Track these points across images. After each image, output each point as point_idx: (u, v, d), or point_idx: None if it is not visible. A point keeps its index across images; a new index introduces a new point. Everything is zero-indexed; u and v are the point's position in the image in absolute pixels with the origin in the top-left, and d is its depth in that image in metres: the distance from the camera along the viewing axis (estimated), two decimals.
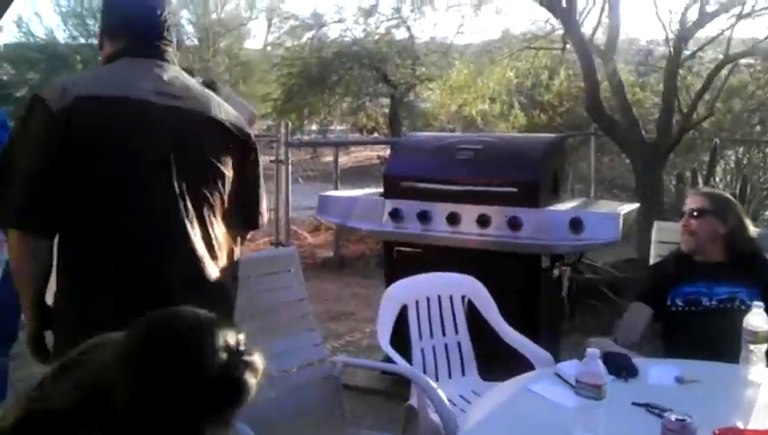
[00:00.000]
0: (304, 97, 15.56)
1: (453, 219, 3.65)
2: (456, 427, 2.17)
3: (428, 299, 2.93)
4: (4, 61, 22.61)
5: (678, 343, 2.61)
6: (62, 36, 21.24)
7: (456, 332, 2.97)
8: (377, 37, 16.69)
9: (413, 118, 16.65)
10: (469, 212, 3.61)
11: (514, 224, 3.52)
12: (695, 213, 2.73)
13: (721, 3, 6.06)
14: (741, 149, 7.52)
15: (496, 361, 2.75)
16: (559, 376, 1.99)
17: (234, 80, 20.70)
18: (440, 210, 3.68)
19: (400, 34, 17.10)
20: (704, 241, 2.71)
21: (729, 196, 3.00)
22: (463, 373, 2.90)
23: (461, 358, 2.95)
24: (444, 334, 2.94)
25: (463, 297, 3.00)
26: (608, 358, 1.88)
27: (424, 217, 3.70)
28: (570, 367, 2.00)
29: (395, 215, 3.77)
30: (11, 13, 18.11)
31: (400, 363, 2.57)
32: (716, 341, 2.33)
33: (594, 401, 1.62)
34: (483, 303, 2.96)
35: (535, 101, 9.77)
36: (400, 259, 3.81)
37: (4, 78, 22.86)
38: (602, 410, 1.64)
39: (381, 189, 3.93)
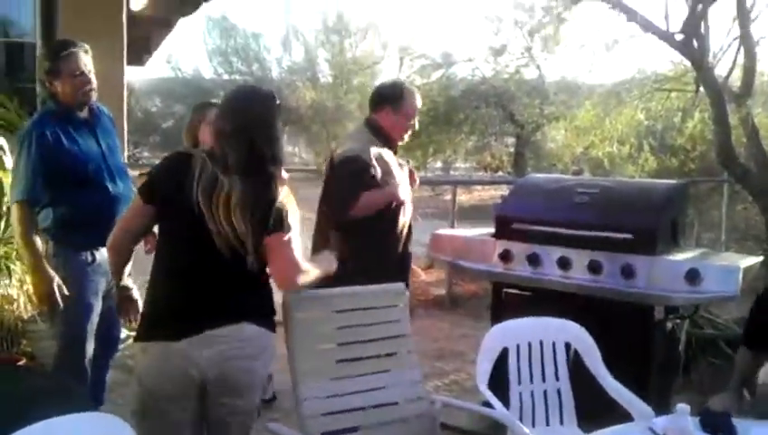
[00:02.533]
0: (430, 135, 15.79)
1: (563, 264, 3.61)
2: None
3: (530, 344, 2.93)
4: (154, 94, 24.55)
5: None
6: (207, 72, 22.79)
7: (557, 379, 2.94)
8: (506, 76, 16.75)
9: (538, 158, 16.48)
10: (581, 257, 3.56)
11: (628, 272, 3.44)
12: None
13: None
14: None
15: (597, 412, 2.64)
16: (652, 430, 1.94)
17: (364, 115, 21.35)
18: (551, 254, 3.65)
19: (529, 74, 17.10)
20: None
21: None
22: (561, 422, 2.86)
23: (560, 406, 2.92)
24: (544, 380, 2.92)
25: (567, 344, 2.97)
26: (705, 416, 1.82)
27: (534, 259, 3.68)
28: (664, 421, 1.95)
29: (505, 256, 3.77)
30: (162, 50, 19.52)
31: (497, 407, 2.58)
32: None
33: None
34: (587, 351, 2.92)
35: (666, 144, 9.45)
36: (508, 301, 3.80)
37: (153, 109, 24.82)
38: None
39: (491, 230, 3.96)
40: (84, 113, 3.19)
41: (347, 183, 3.19)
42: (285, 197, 2.27)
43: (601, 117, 9.73)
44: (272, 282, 2.36)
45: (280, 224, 2.22)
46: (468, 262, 3.94)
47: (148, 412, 2.24)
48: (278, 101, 2.32)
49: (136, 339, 2.32)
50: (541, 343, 2.95)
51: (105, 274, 3.16)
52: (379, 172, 3.20)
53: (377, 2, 44.77)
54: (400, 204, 3.28)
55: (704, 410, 1.85)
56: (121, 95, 5.30)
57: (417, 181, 3.66)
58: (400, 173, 3.35)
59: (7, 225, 4.27)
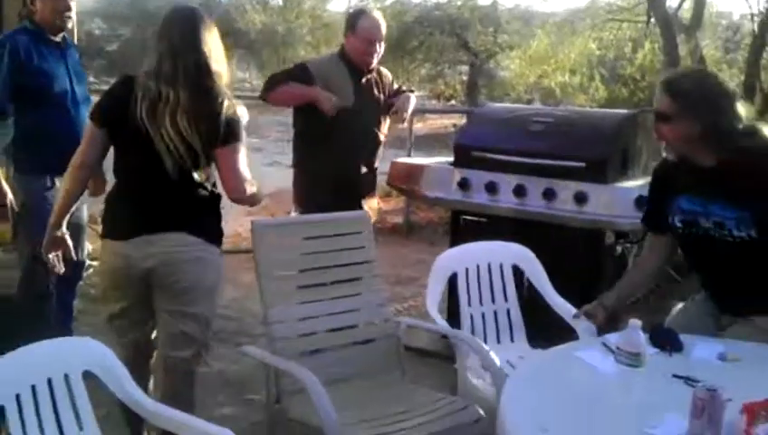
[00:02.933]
0: (383, 62, 15.63)
1: (520, 191, 3.73)
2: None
3: (478, 266, 3.03)
4: (96, 16, 23.56)
5: (699, 273, 2.51)
6: None
7: (506, 299, 3.08)
8: (459, 2, 16.58)
9: (492, 87, 16.51)
10: (536, 185, 3.69)
11: (580, 198, 3.59)
12: (660, 117, 2.33)
13: None
14: None
15: (545, 329, 2.85)
16: (605, 345, 2.09)
17: (316, 41, 20.96)
18: (508, 182, 3.77)
19: (483, 0, 16.96)
20: (681, 147, 2.32)
21: (704, 78, 2.49)
22: (512, 340, 3.02)
23: (510, 325, 3.06)
24: (493, 302, 3.05)
25: (515, 266, 3.10)
26: (654, 332, 1.98)
27: (491, 187, 3.80)
28: (617, 338, 2.10)
29: (463, 184, 3.88)
30: None
31: (444, 326, 2.72)
32: (729, 271, 2.29)
33: (632, 368, 1.73)
34: (533, 271, 3.07)
35: (617, 74, 9.60)
36: (466, 228, 3.93)
37: (97, 32, 23.86)
38: (641, 378, 1.75)
39: (452, 158, 4.04)
40: (58, 38, 3.23)
41: (280, 74, 3.66)
42: (232, 113, 2.45)
43: (555, 46, 9.80)
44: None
45: (232, 136, 2.44)
46: (427, 190, 4.03)
47: (105, 299, 2.64)
48: (204, 16, 2.51)
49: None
50: (489, 266, 3.05)
51: None
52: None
53: None
54: (326, 111, 3.40)
55: (653, 327, 2.00)
56: None
57: (402, 113, 3.72)
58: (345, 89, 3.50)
59: None
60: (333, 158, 3.43)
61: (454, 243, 3.81)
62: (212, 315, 2.62)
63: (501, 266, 3.09)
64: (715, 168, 2.26)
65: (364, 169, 3.64)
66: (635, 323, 1.76)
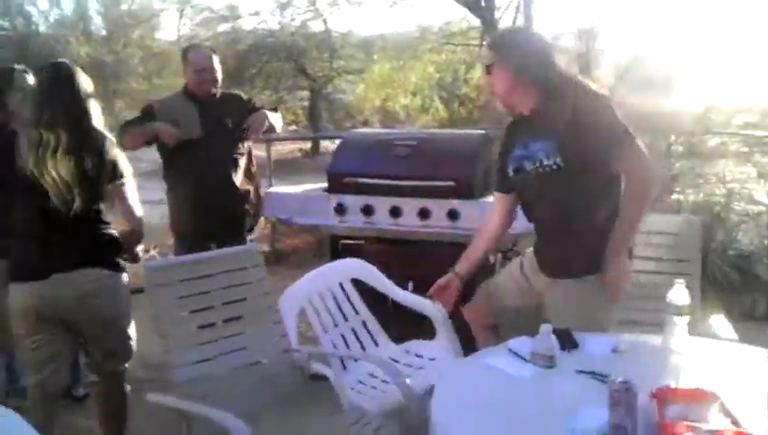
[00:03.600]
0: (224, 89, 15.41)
1: (395, 212, 3.86)
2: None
3: (321, 295, 3.15)
4: None
5: (534, 223, 2.71)
6: None
7: (357, 313, 3.24)
8: (293, 30, 16.74)
9: (332, 111, 16.80)
10: (411, 205, 3.84)
11: (453, 215, 3.78)
12: (486, 70, 2.58)
13: None
14: None
15: (402, 326, 3.21)
16: (512, 351, 2.23)
17: (147, 72, 20.28)
18: (383, 204, 3.89)
19: (317, 26, 17.23)
20: (505, 97, 2.58)
21: (516, 31, 2.93)
22: (376, 344, 3.21)
23: (369, 333, 3.24)
24: (346, 320, 3.19)
25: (354, 280, 3.28)
26: (554, 333, 2.14)
27: (367, 210, 3.90)
28: (521, 343, 2.25)
29: (339, 209, 3.95)
30: None
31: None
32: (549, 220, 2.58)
33: (548, 369, 1.87)
34: (372, 278, 3.31)
35: (454, 94, 10.12)
36: (345, 251, 3.99)
37: None
38: (551, 378, 1.89)
39: (323, 185, 4.11)
40: None
41: (130, 120, 3.86)
42: (115, 152, 2.68)
43: (396, 71, 10.17)
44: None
45: (115, 173, 2.66)
46: (304, 218, 4.06)
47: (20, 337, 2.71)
48: (70, 68, 2.70)
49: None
50: (331, 291, 3.19)
51: None
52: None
53: None
54: (166, 142, 3.68)
55: (553, 329, 2.16)
56: None
57: (254, 132, 3.87)
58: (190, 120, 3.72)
59: None
60: (192, 184, 3.69)
61: None
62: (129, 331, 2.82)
63: (341, 286, 3.24)
64: (533, 110, 2.55)
65: (228, 191, 3.80)
66: (547, 328, 1.91)
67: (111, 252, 2.72)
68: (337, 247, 4.06)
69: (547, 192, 2.54)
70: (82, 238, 2.64)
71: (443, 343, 3.15)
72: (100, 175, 2.60)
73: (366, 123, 10.79)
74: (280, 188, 4.30)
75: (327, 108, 16.84)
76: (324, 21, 16.82)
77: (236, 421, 2.16)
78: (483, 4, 6.18)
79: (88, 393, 3.63)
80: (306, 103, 17.19)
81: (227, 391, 2.59)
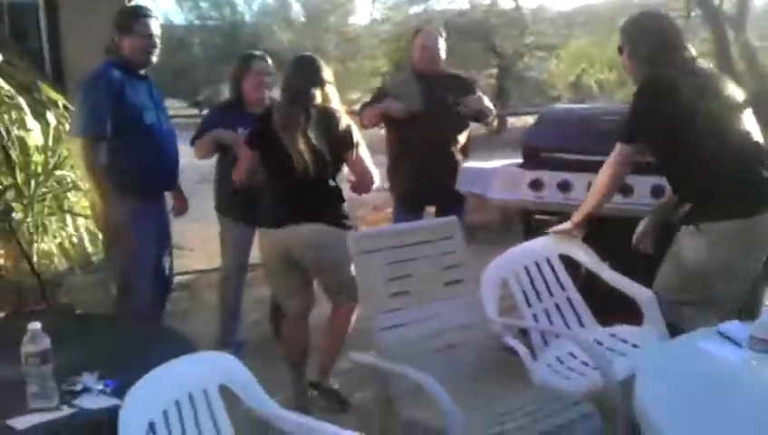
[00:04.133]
0: None
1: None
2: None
3: (526, 267, 3.12)
4: None
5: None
6: (177, 19, 22.26)
7: (563, 289, 3.16)
8: (484, 8, 16.64)
9: (522, 88, 16.53)
10: None
11: (657, 192, 3.60)
12: (619, 51, 3.02)
13: None
14: None
15: (609, 311, 3.04)
16: (724, 335, 2.10)
17: (342, 56, 21.11)
18: (581, 180, 3.78)
19: (506, 4, 17.00)
20: (635, 74, 3.00)
21: (644, 15, 3.19)
22: (581, 325, 3.09)
23: (575, 312, 3.14)
24: (551, 295, 3.12)
25: (561, 256, 3.21)
26: None
27: (564, 186, 3.81)
28: (733, 327, 2.12)
29: (534, 184, 3.90)
30: None
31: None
32: None
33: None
34: (582, 254, 3.19)
35: None
36: (538, 227, 3.94)
37: None
38: None
39: (516, 160, 4.08)
40: (142, 72, 3.38)
41: (366, 102, 4.46)
42: (348, 125, 3.23)
43: (593, 45, 9.79)
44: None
45: (350, 142, 3.21)
46: (498, 193, 4.06)
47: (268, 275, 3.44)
48: (315, 60, 3.33)
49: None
50: (537, 264, 3.15)
51: (159, 220, 3.45)
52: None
53: None
54: (395, 115, 4.13)
55: None
56: None
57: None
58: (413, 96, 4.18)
59: (39, 183, 4.32)
60: (412, 152, 4.16)
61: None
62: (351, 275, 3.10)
63: (548, 260, 3.18)
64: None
65: (443, 161, 4.17)
66: None
67: (336, 211, 3.24)
68: (530, 223, 4.02)
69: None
70: (312, 198, 3.19)
71: (650, 330, 2.97)
72: (337, 145, 3.17)
73: (557, 100, 10.50)
74: (473, 163, 4.32)
75: (516, 85, 16.59)
76: None
77: (433, 383, 2.23)
78: None
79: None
80: (494, 81, 17.05)
81: (423, 356, 2.67)
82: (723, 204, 2.74)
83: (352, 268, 2.93)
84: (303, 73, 3.23)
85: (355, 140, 3.23)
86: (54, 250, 4.43)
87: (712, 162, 2.76)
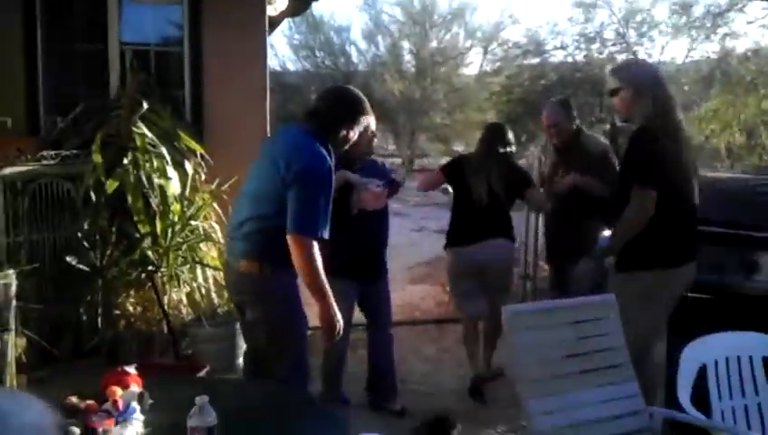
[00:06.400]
0: (524, 125, 15.58)
1: (751, 267, 3.48)
2: None
3: (727, 359, 2.84)
4: None
5: None
6: (292, 66, 23.06)
7: (757, 393, 2.85)
8: (599, 63, 16.33)
9: None
10: None
11: None
12: (610, 93, 3.33)
13: None
14: None
15: None
16: None
17: (450, 107, 21.22)
18: (736, 256, 3.52)
19: (623, 59, 16.63)
20: (624, 113, 3.33)
21: (634, 62, 3.95)
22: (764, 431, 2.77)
23: (761, 420, 2.83)
24: (743, 396, 2.84)
25: (764, 358, 2.88)
26: None
27: (718, 264, 3.56)
28: None
29: None
30: None
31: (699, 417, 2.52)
32: None
33: None
34: None
35: None
36: (690, 307, 3.68)
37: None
38: None
39: None
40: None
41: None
42: (518, 168, 4.45)
43: (727, 106, 9.35)
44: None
45: (523, 181, 4.32)
46: None
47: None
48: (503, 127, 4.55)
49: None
50: (738, 359, 2.87)
51: None
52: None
53: None
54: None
55: None
56: (265, 101, 5.39)
57: None
58: None
59: (175, 233, 4.41)
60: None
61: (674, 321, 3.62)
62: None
63: (750, 359, 2.88)
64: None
65: None
66: None
67: (507, 231, 4.27)
68: (685, 301, 3.75)
69: None
70: (492, 221, 4.19)
71: None
72: (511, 184, 4.21)
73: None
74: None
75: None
76: (634, 53, 16.19)
77: None
78: None
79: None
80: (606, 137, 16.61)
81: None
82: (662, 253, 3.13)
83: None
84: (495, 139, 4.38)
85: (527, 182, 4.41)
86: (184, 300, 4.49)
87: (669, 217, 3.10)
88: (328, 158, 2.86)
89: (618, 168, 4.02)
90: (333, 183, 2.88)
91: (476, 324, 4.40)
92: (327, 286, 2.82)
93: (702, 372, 2.81)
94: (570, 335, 2.67)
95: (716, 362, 2.82)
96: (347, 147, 3.08)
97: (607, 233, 3.40)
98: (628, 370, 2.71)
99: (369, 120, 3.30)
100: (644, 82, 3.20)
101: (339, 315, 2.88)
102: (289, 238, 2.74)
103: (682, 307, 3.67)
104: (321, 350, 3.77)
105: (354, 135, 3.04)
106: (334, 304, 2.85)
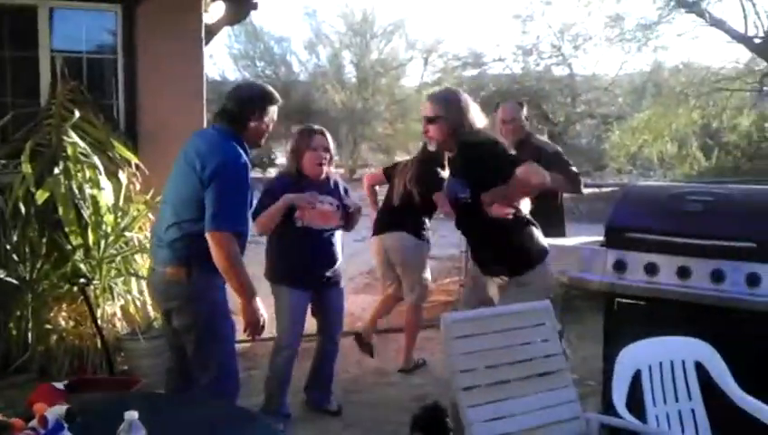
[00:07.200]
0: None
1: (683, 273, 3.56)
2: None
3: (661, 364, 2.90)
4: None
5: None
6: (232, 76, 22.80)
7: (690, 398, 2.92)
8: (537, 75, 16.68)
9: (571, 156, 16.35)
10: (701, 266, 3.51)
11: (753, 280, 3.39)
12: (428, 120, 3.26)
13: None
14: None
15: (732, 429, 2.70)
16: None
17: (392, 117, 21.32)
18: (669, 263, 3.60)
19: (559, 72, 17.03)
20: (440, 143, 3.28)
21: (452, 92, 3.39)
22: None
23: (695, 426, 2.89)
24: (677, 401, 2.89)
25: (696, 363, 2.95)
26: None
27: (651, 269, 3.63)
28: None
29: (618, 266, 3.73)
30: None
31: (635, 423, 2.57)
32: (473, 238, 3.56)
33: None
34: (716, 368, 2.92)
35: (720, 142, 9.34)
36: (622, 311, 3.75)
37: None
38: None
39: (597, 238, 3.91)
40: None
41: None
42: None
43: (659, 117, 9.64)
44: None
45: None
46: (580, 272, 3.89)
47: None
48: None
49: None
50: (671, 363, 2.93)
51: None
52: None
53: (402, 2, 44.68)
54: None
55: None
56: (202, 109, 5.30)
57: None
58: None
59: (108, 244, 4.29)
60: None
61: (609, 326, 3.70)
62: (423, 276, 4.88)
63: (683, 364, 2.95)
64: (456, 153, 3.28)
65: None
66: None
67: (411, 228, 4.67)
68: (612, 306, 3.83)
69: (468, 224, 3.44)
70: (400, 217, 4.69)
71: None
72: (428, 187, 4.46)
73: (602, 168, 10.28)
74: (554, 241, 4.16)
75: (567, 153, 16.43)
76: (569, 66, 16.59)
77: None
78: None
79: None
80: None
81: None
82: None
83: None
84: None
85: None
86: (118, 313, 4.36)
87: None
88: (243, 154, 2.90)
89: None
90: (250, 179, 2.92)
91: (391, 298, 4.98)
92: (250, 281, 2.88)
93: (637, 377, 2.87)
94: (507, 343, 2.70)
95: (650, 368, 2.88)
96: (262, 141, 3.11)
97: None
98: (565, 376, 2.75)
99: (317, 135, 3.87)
100: (459, 112, 3.23)
101: (262, 310, 2.94)
102: (208, 236, 2.76)
103: (617, 313, 3.79)
104: (266, 363, 3.72)
105: (265, 126, 3.07)
106: (258, 300, 2.92)
